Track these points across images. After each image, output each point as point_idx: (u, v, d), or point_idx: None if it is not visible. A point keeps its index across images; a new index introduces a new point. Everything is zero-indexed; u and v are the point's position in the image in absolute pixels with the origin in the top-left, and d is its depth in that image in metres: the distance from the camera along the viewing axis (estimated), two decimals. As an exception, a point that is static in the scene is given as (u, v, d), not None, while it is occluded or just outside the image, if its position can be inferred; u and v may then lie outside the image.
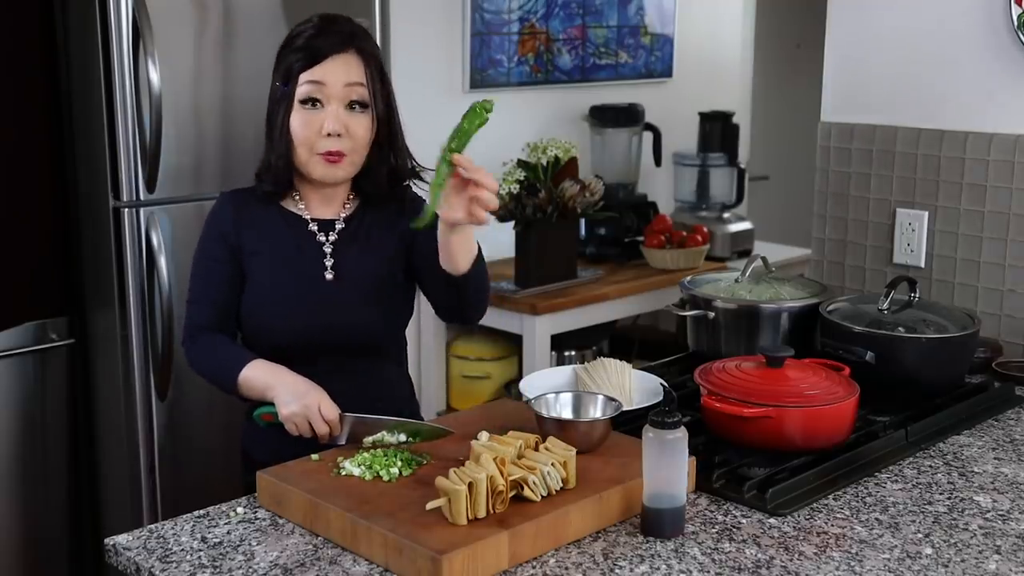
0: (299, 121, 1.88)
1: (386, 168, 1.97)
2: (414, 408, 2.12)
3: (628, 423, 1.89)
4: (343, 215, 1.99)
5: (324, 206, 1.98)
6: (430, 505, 1.53)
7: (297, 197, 1.98)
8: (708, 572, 1.52)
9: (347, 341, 1.95)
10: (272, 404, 1.85)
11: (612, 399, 1.86)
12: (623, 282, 3.67)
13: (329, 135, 1.87)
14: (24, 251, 2.93)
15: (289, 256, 1.95)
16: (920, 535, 1.64)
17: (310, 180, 1.94)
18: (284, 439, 1.87)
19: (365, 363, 1.99)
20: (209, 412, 2.95)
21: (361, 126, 1.89)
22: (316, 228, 1.97)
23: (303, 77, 1.87)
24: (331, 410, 1.80)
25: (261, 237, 1.95)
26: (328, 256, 1.96)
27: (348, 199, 2.00)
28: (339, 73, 1.87)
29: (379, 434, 1.81)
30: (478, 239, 1.91)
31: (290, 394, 1.82)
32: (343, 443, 1.83)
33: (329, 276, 1.95)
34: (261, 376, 1.86)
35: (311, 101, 1.87)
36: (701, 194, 4.23)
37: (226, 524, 1.66)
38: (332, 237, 1.97)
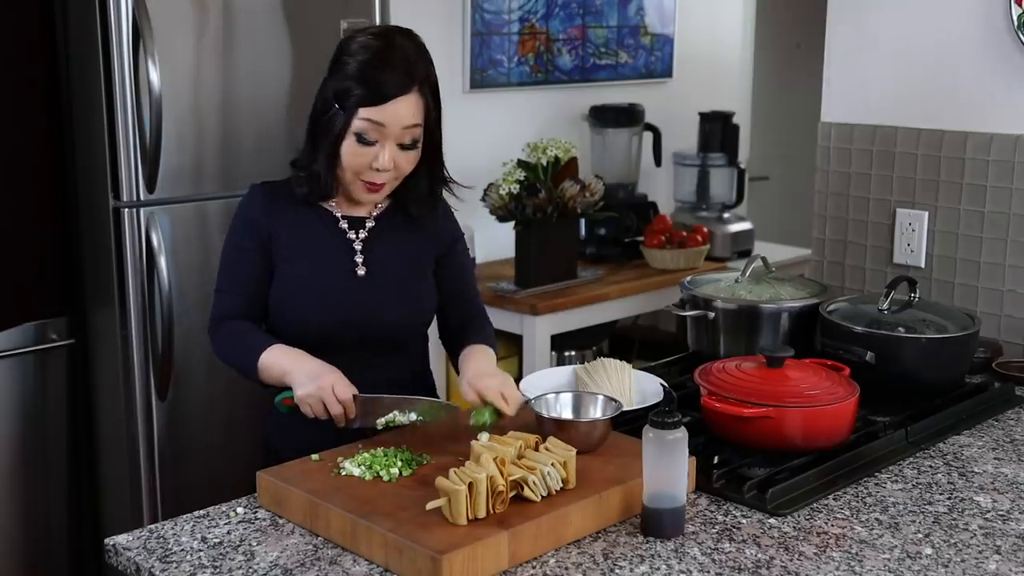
0: (351, 151, 1.87)
1: (425, 180, 1.99)
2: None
3: (628, 423, 1.89)
4: (374, 214, 2.00)
5: (356, 205, 2.00)
6: (430, 505, 1.53)
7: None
8: (708, 572, 1.52)
9: (376, 336, 1.96)
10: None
11: (612, 399, 1.86)
12: (623, 282, 3.67)
13: (378, 170, 1.88)
14: (24, 251, 2.93)
15: (320, 250, 1.96)
16: (920, 535, 1.64)
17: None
18: (305, 431, 1.89)
19: (389, 358, 2.00)
20: (209, 412, 2.95)
21: (408, 162, 1.91)
22: (347, 226, 1.98)
23: (363, 112, 1.84)
24: (345, 390, 1.80)
25: (292, 230, 1.96)
26: (359, 253, 1.97)
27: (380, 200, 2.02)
28: (399, 117, 1.85)
29: (391, 414, 1.82)
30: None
31: (305, 376, 1.82)
32: (359, 426, 1.84)
33: (361, 272, 1.96)
34: (279, 361, 1.87)
35: (367, 137, 1.86)
36: (701, 194, 4.23)
37: (226, 524, 1.66)
38: (362, 235, 1.98)
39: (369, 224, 1.99)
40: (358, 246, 1.97)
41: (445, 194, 2.05)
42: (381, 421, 1.83)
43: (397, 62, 1.85)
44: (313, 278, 1.95)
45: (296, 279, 1.95)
